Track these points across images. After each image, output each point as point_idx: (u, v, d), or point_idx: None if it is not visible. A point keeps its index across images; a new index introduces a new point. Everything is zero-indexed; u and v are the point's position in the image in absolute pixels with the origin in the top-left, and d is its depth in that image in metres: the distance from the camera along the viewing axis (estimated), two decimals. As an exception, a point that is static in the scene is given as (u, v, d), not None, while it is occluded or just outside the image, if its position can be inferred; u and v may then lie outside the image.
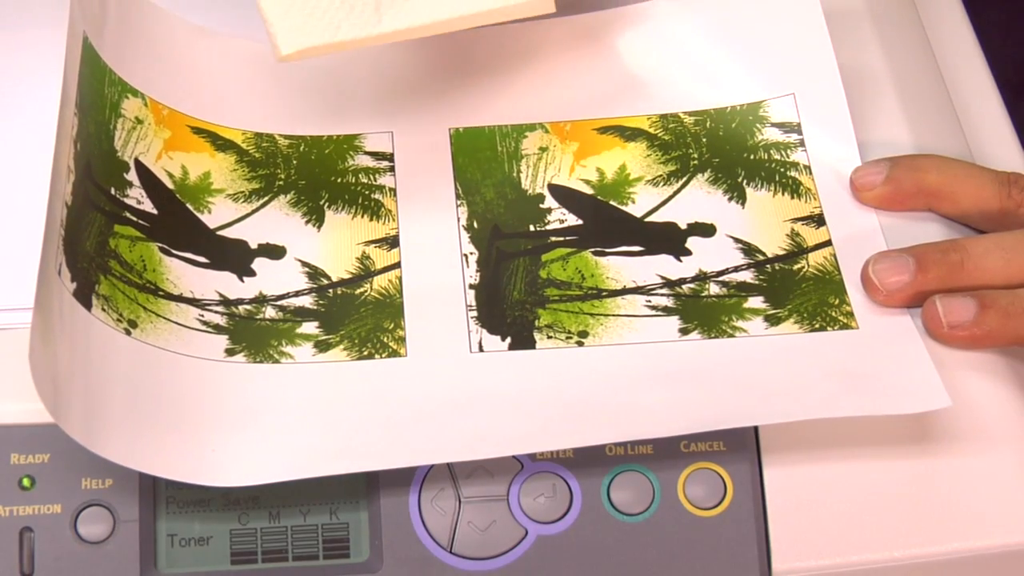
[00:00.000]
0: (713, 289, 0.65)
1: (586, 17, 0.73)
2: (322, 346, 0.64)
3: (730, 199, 0.68)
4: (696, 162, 0.69)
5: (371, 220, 0.68)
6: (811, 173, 0.69)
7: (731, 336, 0.64)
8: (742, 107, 0.71)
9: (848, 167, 0.68)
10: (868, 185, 0.67)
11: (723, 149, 0.70)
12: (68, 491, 0.60)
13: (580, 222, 0.68)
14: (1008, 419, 0.63)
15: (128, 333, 0.62)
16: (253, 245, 0.67)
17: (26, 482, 0.60)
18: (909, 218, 0.68)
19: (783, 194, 0.68)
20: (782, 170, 0.69)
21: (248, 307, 0.65)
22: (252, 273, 0.66)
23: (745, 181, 0.69)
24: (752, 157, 0.69)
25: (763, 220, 0.68)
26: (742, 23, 0.72)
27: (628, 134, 0.70)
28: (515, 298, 0.65)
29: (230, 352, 0.63)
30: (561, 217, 0.68)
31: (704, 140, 0.70)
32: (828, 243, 0.67)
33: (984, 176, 0.67)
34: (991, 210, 0.66)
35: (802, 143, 0.69)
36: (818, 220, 0.67)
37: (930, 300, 0.63)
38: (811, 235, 0.67)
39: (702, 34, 0.72)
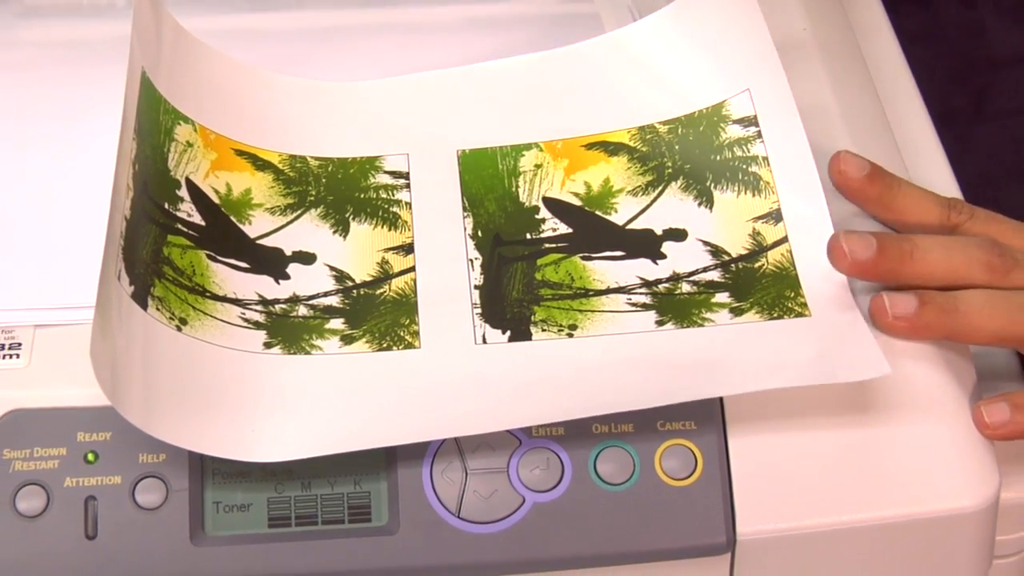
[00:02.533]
0: (685, 287, 0.65)
1: (568, 49, 0.73)
2: (347, 339, 0.64)
3: (699, 204, 0.68)
4: (670, 170, 0.69)
5: (390, 230, 0.68)
6: (769, 164, 0.68)
7: (700, 326, 0.64)
8: (707, 109, 0.70)
9: (797, 146, 0.67)
10: (852, 172, 0.68)
11: (693, 154, 0.69)
12: (127, 465, 0.60)
13: (570, 231, 0.68)
14: (942, 397, 0.63)
15: (179, 329, 0.62)
16: (288, 252, 0.67)
17: (91, 457, 0.60)
18: (856, 211, 0.68)
19: (746, 193, 0.68)
20: (744, 167, 0.68)
21: (283, 306, 0.65)
22: (287, 276, 0.66)
23: (712, 184, 0.68)
24: (718, 158, 0.69)
25: (728, 222, 0.67)
26: (699, 37, 0.71)
27: (611, 149, 0.70)
28: (514, 297, 0.65)
29: (268, 345, 0.63)
30: (554, 226, 0.68)
31: (677, 147, 0.70)
32: (785, 239, 0.66)
33: (929, 199, 0.68)
34: (932, 226, 0.67)
35: (759, 135, 0.69)
36: (776, 216, 0.67)
37: (878, 295, 0.64)
38: (770, 233, 0.66)
39: (667, 52, 0.72)
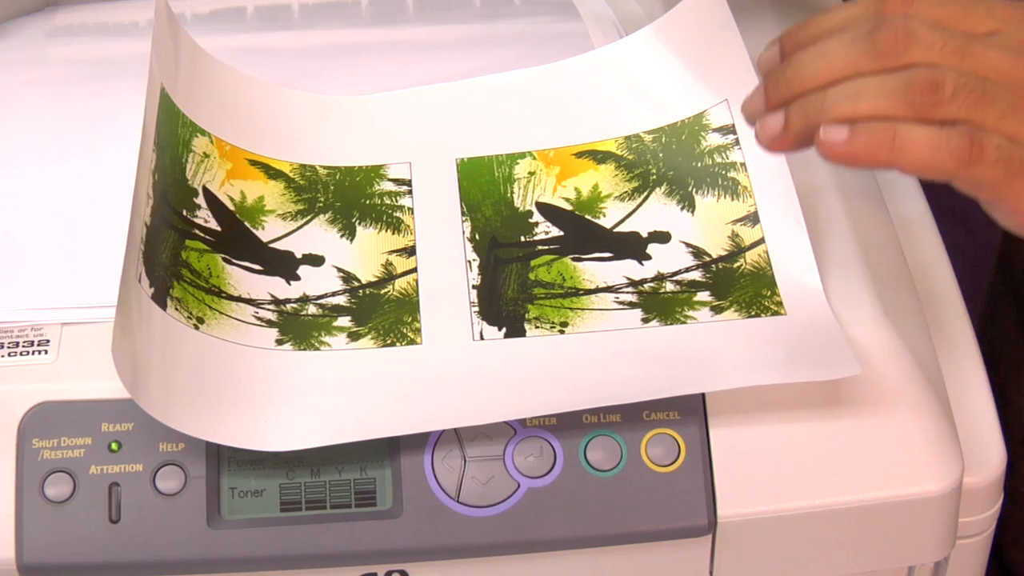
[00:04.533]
0: (669, 287, 0.65)
1: (559, 64, 0.73)
2: (354, 336, 0.64)
3: (682, 208, 0.68)
4: (655, 177, 0.69)
5: (393, 234, 0.68)
6: (746, 170, 0.68)
7: (683, 323, 0.64)
8: (689, 119, 0.70)
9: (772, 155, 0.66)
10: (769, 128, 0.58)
11: (676, 161, 0.69)
12: (148, 453, 0.61)
13: (561, 234, 0.68)
14: (909, 389, 0.63)
15: (197, 328, 0.62)
16: (298, 255, 0.67)
17: (114, 446, 0.61)
18: (829, 216, 0.68)
19: (725, 197, 0.68)
20: (723, 173, 0.68)
21: (294, 305, 0.65)
22: (297, 278, 0.66)
23: (694, 190, 0.68)
24: (699, 165, 0.69)
25: (709, 225, 0.67)
26: (680, 52, 0.71)
27: (599, 157, 0.70)
28: (509, 296, 0.65)
29: (279, 342, 0.63)
30: (546, 230, 0.68)
31: (661, 155, 0.70)
32: (762, 241, 0.66)
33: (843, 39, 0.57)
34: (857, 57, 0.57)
35: (737, 142, 0.69)
36: (753, 219, 0.67)
37: (756, 124, 0.58)
38: (747, 235, 0.66)
39: (651, 66, 0.72)
